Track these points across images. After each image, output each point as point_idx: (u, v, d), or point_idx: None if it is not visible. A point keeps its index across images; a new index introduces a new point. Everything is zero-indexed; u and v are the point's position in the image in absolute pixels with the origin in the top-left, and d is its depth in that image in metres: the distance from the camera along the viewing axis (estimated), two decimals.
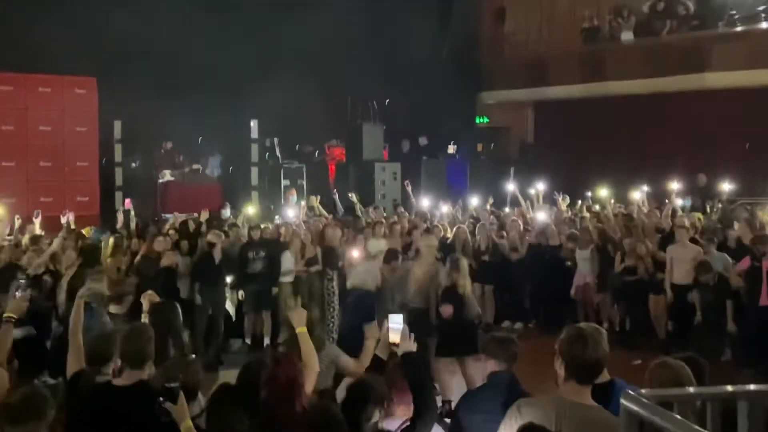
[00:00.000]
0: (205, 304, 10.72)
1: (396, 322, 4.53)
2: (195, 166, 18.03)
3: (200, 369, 4.85)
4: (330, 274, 11.69)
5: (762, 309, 9.61)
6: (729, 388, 2.21)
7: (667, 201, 14.43)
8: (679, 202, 14.61)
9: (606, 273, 11.89)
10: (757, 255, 9.79)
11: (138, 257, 10.63)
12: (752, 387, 2.24)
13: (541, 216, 13.33)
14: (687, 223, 11.92)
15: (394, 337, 4.50)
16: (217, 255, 10.85)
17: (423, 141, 21.19)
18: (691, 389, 2.77)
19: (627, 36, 20.46)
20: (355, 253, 10.18)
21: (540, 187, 15.57)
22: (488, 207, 15.54)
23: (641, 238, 11.66)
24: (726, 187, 15.45)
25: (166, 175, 17.66)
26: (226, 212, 14.43)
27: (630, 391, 2.15)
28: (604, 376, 4.06)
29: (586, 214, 14.44)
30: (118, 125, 17.65)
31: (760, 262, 9.69)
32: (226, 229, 12.17)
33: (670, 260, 11.04)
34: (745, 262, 10.08)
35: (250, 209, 14.25)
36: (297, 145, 20.39)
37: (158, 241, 10.86)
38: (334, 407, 4.03)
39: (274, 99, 17.99)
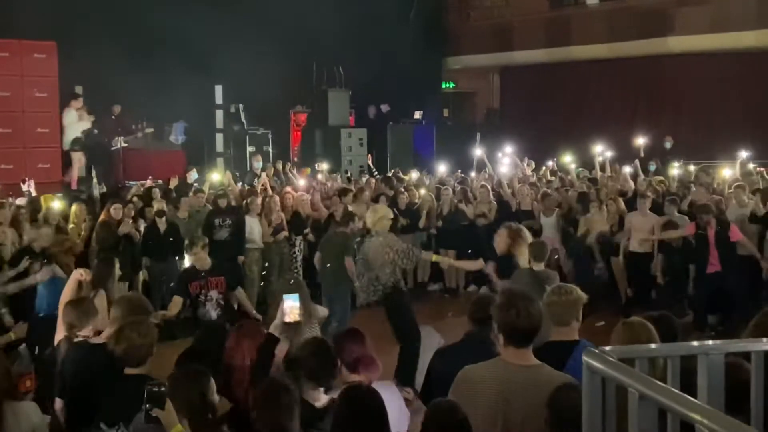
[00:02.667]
0: (156, 276, 10.68)
1: (290, 304, 4.62)
2: (148, 131, 17.73)
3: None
4: (294, 239, 11.72)
5: (711, 276, 9.84)
6: (689, 344, 2.25)
7: (634, 164, 14.58)
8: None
9: (570, 238, 12.01)
10: (701, 224, 9.96)
11: (96, 225, 10.50)
12: (710, 343, 2.29)
13: (480, 186, 13.41)
14: (645, 186, 12.13)
15: (289, 318, 4.59)
16: (162, 225, 10.84)
17: (385, 108, 21.10)
18: (652, 346, 2.82)
19: (592, 0, 20.49)
20: None
21: (508, 150, 15.67)
22: (456, 174, 15.60)
23: (605, 201, 11.79)
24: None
25: (120, 142, 17.36)
26: (193, 176, 14.25)
27: (591, 348, 2.18)
28: (571, 336, 4.27)
29: (552, 179, 14.55)
30: (79, 90, 17.35)
31: (705, 231, 9.85)
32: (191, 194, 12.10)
33: (629, 227, 11.20)
34: (690, 229, 10.23)
35: (215, 175, 14.10)
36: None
37: (115, 209, 10.73)
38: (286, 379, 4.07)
39: (238, 65, 17.79)
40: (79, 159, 16.23)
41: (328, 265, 9.44)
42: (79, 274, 5.89)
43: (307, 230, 11.86)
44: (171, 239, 10.87)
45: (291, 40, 18.32)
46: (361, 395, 3.72)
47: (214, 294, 7.73)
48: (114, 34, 16.68)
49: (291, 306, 4.59)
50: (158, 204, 11.10)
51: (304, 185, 13.61)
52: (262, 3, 17.33)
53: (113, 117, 17.87)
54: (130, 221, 10.74)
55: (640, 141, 15.62)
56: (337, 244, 9.41)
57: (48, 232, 8.80)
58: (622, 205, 11.81)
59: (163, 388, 3.79)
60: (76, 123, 16.48)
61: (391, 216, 8.67)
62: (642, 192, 11.90)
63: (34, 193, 11.88)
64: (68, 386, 4.78)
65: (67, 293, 5.63)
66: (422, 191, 13.06)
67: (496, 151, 16.31)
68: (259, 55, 17.32)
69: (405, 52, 19.55)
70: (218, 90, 18.54)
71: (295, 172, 15.36)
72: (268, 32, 17.50)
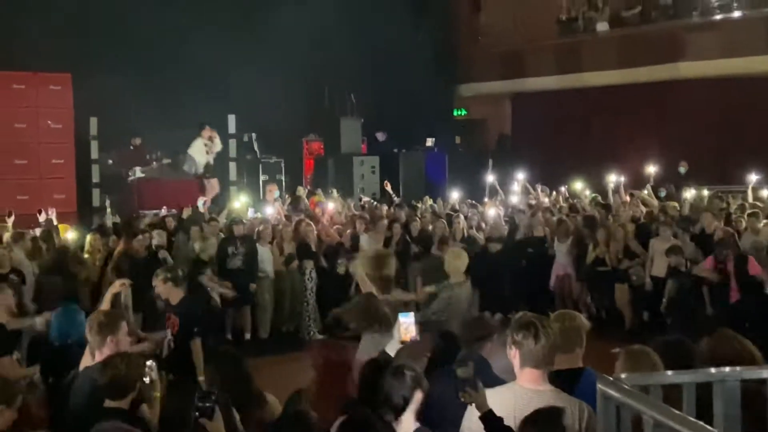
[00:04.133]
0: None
1: (406, 320, 4.59)
2: (166, 161, 17.89)
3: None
4: (305, 268, 11.74)
5: (732, 306, 9.78)
6: (704, 370, 2.24)
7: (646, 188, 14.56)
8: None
9: (582, 264, 12.00)
10: (719, 258, 9.92)
11: (116, 254, 10.56)
12: (726, 369, 2.28)
13: (492, 212, 13.36)
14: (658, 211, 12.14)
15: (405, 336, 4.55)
16: (166, 257, 10.83)
17: (382, 136, 21.18)
18: (668, 373, 2.81)
19: (602, 27, 20.56)
20: None
21: (520, 177, 15.70)
22: (468, 201, 15.61)
23: (614, 227, 11.78)
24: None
25: (137, 172, 17.51)
26: (200, 203, 14.32)
27: (607, 376, 2.19)
28: (575, 363, 4.29)
29: (563, 205, 14.55)
30: (93, 122, 17.49)
31: (725, 264, 9.82)
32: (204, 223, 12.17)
33: (652, 253, 11.19)
34: (709, 262, 10.17)
35: (237, 202, 14.15)
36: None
37: (138, 240, 10.82)
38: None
39: (251, 94, 17.91)
40: (213, 186, 16.52)
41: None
42: (120, 283, 5.98)
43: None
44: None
45: (303, 69, 18.45)
46: None
47: (168, 333, 7.15)
48: (128, 65, 16.85)
49: (407, 324, 4.55)
50: (159, 237, 11.13)
51: (331, 209, 13.64)
52: (274, 32, 17.46)
53: (132, 148, 18.04)
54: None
55: (651, 168, 15.59)
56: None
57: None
58: (630, 232, 11.75)
59: (212, 403, 3.78)
60: (202, 151, 17.06)
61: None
62: (658, 218, 11.89)
63: (55, 222, 11.98)
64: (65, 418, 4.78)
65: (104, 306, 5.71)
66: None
67: (509, 177, 16.32)
68: (272, 84, 17.46)
69: (417, 80, 19.63)
70: (231, 119, 18.66)
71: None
72: (280, 61, 17.63)
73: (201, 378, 5.46)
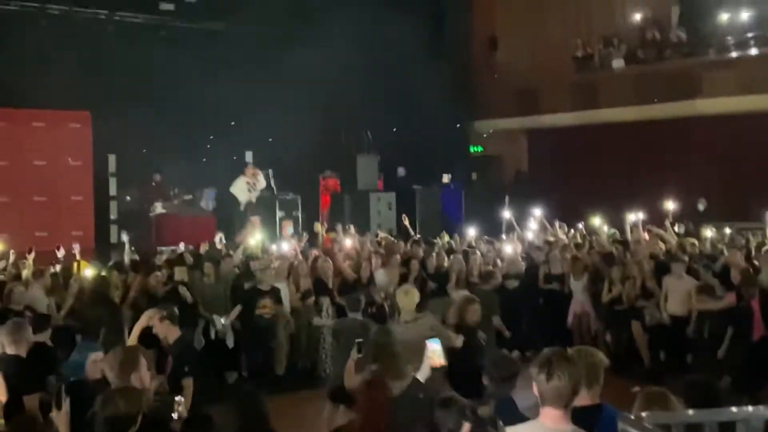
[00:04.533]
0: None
1: (433, 347, 4.78)
2: (186, 197, 18.01)
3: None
4: (321, 304, 11.70)
5: (756, 344, 9.63)
6: (727, 410, 2.20)
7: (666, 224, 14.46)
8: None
9: (599, 302, 11.91)
10: (744, 296, 9.79)
11: (133, 292, 10.57)
12: (749, 409, 2.24)
13: (509, 248, 13.29)
14: (676, 248, 12.03)
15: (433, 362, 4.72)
16: (185, 294, 10.82)
17: (402, 171, 21.23)
18: (690, 412, 2.76)
19: (618, 64, 20.60)
20: None
21: (537, 213, 15.65)
22: (484, 237, 15.54)
23: (630, 265, 11.67)
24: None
25: (158, 208, 17.63)
26: (218, 239, 14.32)
27: (628, 414, 2.15)
28: (593, 400, 4.27)
29: (580, 242, 14.46)
30: (112, 159, 17.68)
31: (748, 301, 9.68)
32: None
33: (665, 291, 11.07)
34: (732, 297, 10.04)
35: (252, 239, 14.15)
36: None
37: (155, 276, 10.84)
38: None
39: (268, 130, 18.05)
40: (253, 224, 16.66)
41: None
42: (152, 314, 5.98)
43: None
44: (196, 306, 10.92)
45: (320, 106, 18.56)
46: None
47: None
48: (146, 103, 17.03)
49: (434, 350, 4.55)
50: (180, 273, 11.15)
51: (348, 246, 13.59)
52: (291, 69, 17.61)
53: (153, 184, 18.19)
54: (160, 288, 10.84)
55: (670, 205, 15.48)
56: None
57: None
58: (646, 270, 11.63)
59: None
60: (244, 190, 17.19)
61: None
62: (676, 254, 11.78)
63: (78, 257, 12.02)
64: None
65: (133, 338, 5.71)
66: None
67: (525, 213, 16.27)
68: (289, 120, 17.58)
69: (433, 117, 19.71)
70: (248, 155, 18.79)
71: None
72: (297, 98, 17.76)
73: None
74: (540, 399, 3.74)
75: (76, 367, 6.26)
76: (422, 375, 4.72)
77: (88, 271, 10.89)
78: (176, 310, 7.33)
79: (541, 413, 3.74)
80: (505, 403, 4.29)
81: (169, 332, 6.94)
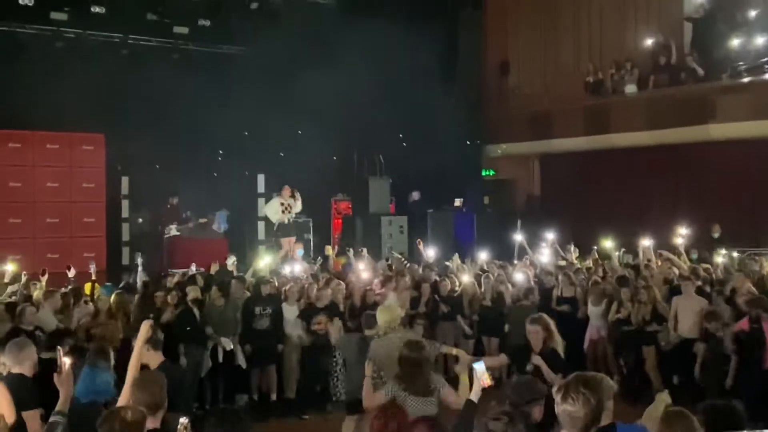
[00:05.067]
0: (192, 365, 10.52)
1: (480, 368, 4.93)
2: (201, 221, 18.05)
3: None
4: None
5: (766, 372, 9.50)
6: None
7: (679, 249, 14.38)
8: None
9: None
10: (752, 317, 9.68)
11: (136, 312, 10.56)
12: None
13: (520, 276, 13.23)
14: (689, 272, 11.95)
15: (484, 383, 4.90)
16: (197, 312, 10.80)
17: (417, 195, 21.23)
18: None
19: (630, 89, 20.59)
20: None
21: (550, 237, 15.59)
22: (495, 261, 15.49)
23: (641, 288, 11.59)
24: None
25: (172, 230, 17.69)
26: (230, 261, 14.30)
27: None
28: (606, 420, 4.25)
29: (591, 267, 14.39)
30: (125, 181, 17.76)
31: (759, 324, 9.57)
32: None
33: (675, 312, 10.99)
34: (744, 323, 9.93)
35: (262, 262, 14.11)
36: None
37: (156, 296, 10.83)
38: None
39: (280, 153, 18.10)
40: (284, 244, 16.79)
41: None
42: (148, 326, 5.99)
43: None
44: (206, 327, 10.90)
45: (332, 130, 18.61)
46: None
47: None
48: (159, 126, 17.13)
49: (482, 371, 4.82)
50: (194, 292, 11.14)
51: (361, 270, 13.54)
52: (303, 93, 17.68)
53: (169, 206, 18.25)
54: (171, 309, 10.82)
55: (683, 231, 15.41)
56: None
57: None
58: (657, 294, 11.55)
59: None
60: (278, 210, 17.17)
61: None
62: (686, 276, 11.70)
63: (94, 276, 12.04)
64: None
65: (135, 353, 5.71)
66: (465, 278, 12.96)
67: (537, 238, 16.22)
68: (301, 144, 17.64)
69: (445, 141, 19.73)
70: (260, 179, 18.83)
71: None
72: (309, 122, 17.84)
73: None
74: (561, 424, 3.78)
75: (86, 390, 6.22)
76: (475, 396, 4.89)
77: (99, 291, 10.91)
78: (161, 335, 7.03)
79: None
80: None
81: (151, 358, 6.63)
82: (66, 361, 5.11)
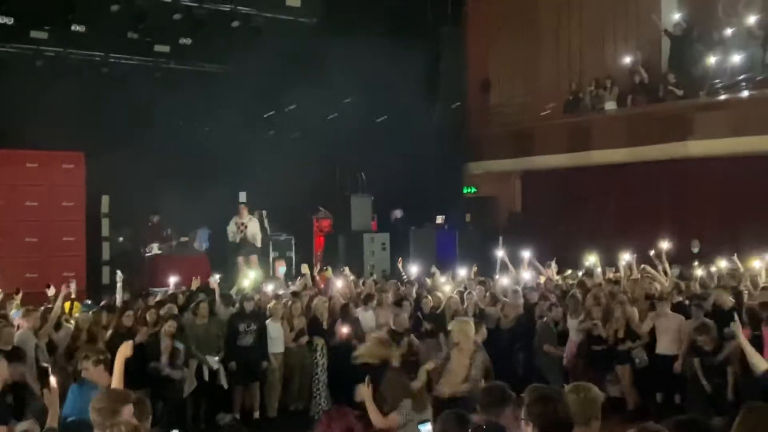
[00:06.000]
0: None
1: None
2: (183, 239, 17.98)
3: None
4: (315, 344, 11.63)
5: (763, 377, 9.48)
6: None
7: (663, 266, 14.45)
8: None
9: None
10: (754, 321, 9.68)
11: (108, 334, 10.50)
12: None
13: (505, 282, 13.30)
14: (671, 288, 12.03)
15: None
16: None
17: (399, 213, 21.25)
18: None
19: (610, 106, 20.76)
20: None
21: (526, 255, 15.62)
22: (473, 275, 15.53)
23: (614, 304, 11.61)
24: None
25: (154, 249, 17.60)
26: (211, 279, 14.24)
27: None
28: None
29: (572, 282, 14.45)
30: (105, 199, 17.67)
31: (760, 330, 9.59)
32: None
33: (653, 330, 11.03)
34: (747, 333, 9.91)
35: (246, 280, 14.07)
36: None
37: (126, 316, 10.76)
38: None
39: (262, 171, 18.06)
40: (245, 262, 16.85)
41: None
42: (127, 348, 5.97)
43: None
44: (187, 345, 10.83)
45: (313, 147, 18.62)
46: None
47: None
48: (140, 144, 17.06)
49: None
50: (171, 310, 11.09)
51: (340, 287, 13.52)
52: (285, 111, 17.70)
53: (150, 225, 18.16)
54: (147, 328, 10.74)
55: (663, 245, 15.52)
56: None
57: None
58: (630, 311, 11.55)
59: None
60: (233, 230, 17.34)
61: None
62: (666, 292, 11.78)
63: (74, 295, 11.95)
64: None
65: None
66: (447, 288, 13.00)
67: (519, 254, 16.25)
68: (282, 161, 17.61)
69: (427, 158, 19.78)
70: (242, 196, 18.77)
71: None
72: (290, 139, 17.83)
73: None
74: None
75: (73, 408, 6.15)
76: None
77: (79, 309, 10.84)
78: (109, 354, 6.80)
79: None
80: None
81: (101, 378, 6.35)
82: (53, 380, 5.16)
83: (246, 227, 17.16)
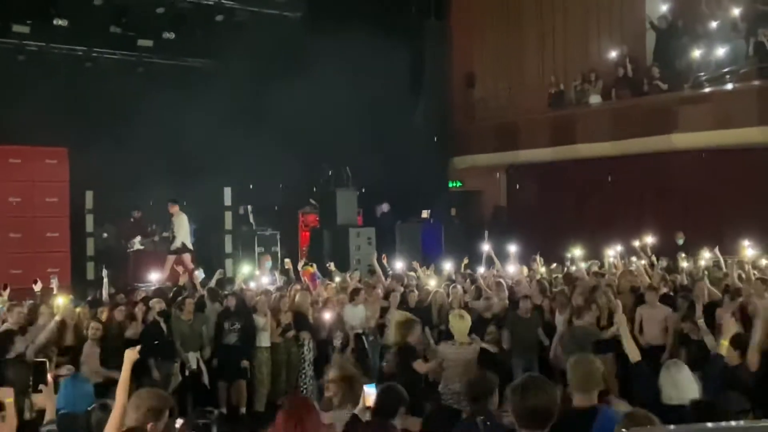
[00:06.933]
0: (163, 379, 10.40)
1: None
2: (165, 234, 17.86)
3: None
4: (302, 339, 11.60)
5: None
6: (721, 425, 2.16)
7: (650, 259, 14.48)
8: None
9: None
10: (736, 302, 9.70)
11: (92, 328, 10.42)
12: (742, 423, 2.20)
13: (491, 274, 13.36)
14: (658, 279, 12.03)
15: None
16: (164, 325, 10.73)
17: (386, 207, 21.22)
18: (689, 426, 2.72)
19: (595, 99, 20.81)
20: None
21: (512, 249, 15.62)
22: (462, 269, 15.52)
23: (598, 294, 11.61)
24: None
25: (136, 244, 17.48)
26: (200, 275, 14.19)
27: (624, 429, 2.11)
28: (592, 401, 4.66)
29: (558, 276, 14.46)
30: (89, 195, 17.54)
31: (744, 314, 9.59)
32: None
33: (640, 321, 11.04)
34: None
35: (242, 271, 14.07)
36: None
37: (119, 311, 10.71)
38: None
39: (247, 167, 17.99)
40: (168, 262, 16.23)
41: None
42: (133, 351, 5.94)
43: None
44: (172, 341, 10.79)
45: (299, 142, 18.55)
46: None
47: None
48: (124, 140, 16.95)
49: (369, 393, 5.34)
50: (158, 304, 11.03)
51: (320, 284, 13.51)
52: (269, 105, 17.63)
53: (132, 220, 18.05)
54: (136, 323, 10.70)
55: (647, 239, 15.58)
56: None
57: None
58: (613, 301, 11.53)
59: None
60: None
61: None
62: (649, 285, 11.79)
63: (56, 291, 11.87)
64: None
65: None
66: (432, 282, 13.01)
67: (504, 248, 16.28)
68: (267, 157, 17.54)
69: (412, 153, 19.78)
70: (227, 192, 18.70)
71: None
72: (275, 134, 17.75)
73: None
74: (516, 421, 3.87)
75: (66, 401, 6.15)
76: (360, 412, 5.19)
77: (60, 300, 10.78)
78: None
79: None
80: (487, 419, 4.48)
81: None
82: (49, 376, 5.36)
83: (174, 225, 16.66)
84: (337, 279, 14.10)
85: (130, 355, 5.96)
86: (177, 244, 16.03)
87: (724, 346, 6.75)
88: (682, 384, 5.33)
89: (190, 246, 16.32)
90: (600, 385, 4.76)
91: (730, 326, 6.88)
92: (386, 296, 12.45)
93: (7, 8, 16.05)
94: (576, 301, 11.36)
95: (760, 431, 2.17)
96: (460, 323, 8.68)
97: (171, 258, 15.97)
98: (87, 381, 6.47)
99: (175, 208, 16.27)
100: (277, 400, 11.63)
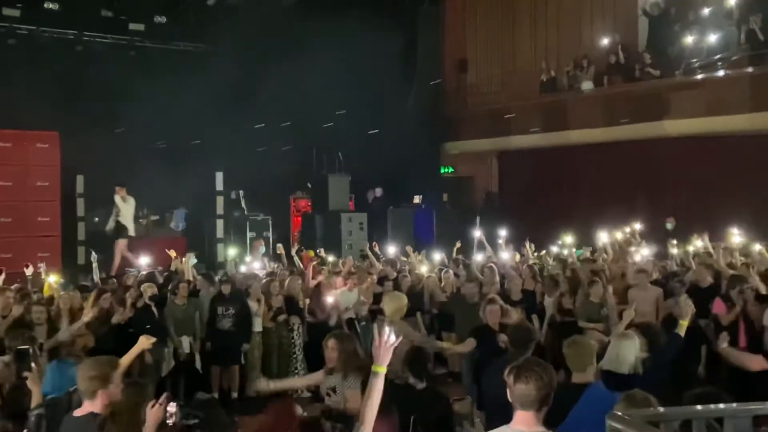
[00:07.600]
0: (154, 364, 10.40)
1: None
2: (153, 218, 17.82)
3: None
4: (292, 324, 11.63)
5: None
6: (716, 406, 2.19)
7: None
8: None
9: None
10: (731, 292, 9.69)
11: (88, 312, 10.40)
12: (735, 405, 2.23)
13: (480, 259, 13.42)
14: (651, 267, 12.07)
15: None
16: (155, 310, 10.72)
17: (379, 192, 21.22)
18: (679, 408, 2.75)
19: (587, 86, 20.82)
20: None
21: (503, 234, 15.66)
22: (454, 254, 15.55)
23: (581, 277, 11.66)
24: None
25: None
26: (192, 260, 14.18)
27: (616, 412, 2.13)
28: (587, 379, 5.33)
29: (550, 261, 14.51)
30: (80, 179, 17.48)
31: (735, 305, 9.56)
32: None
33: (632, 304, 11.07)
34: (720, 307, 9.93)
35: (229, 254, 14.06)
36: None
37: (104, 298, 10.69)
38: None
39: (238, 151, 17.95)
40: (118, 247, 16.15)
41: None
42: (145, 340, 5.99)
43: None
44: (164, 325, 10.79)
45: (291, 127, 18.55)
46: None
47: None
48: (115, 124, 16.93)
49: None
50: (150, 289, 11.02)
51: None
52: (261, 90, 17.58)
53: None
54: (125, 309, 10.67)
55: (637, 226, 15.63)
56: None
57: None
58: (601, 286, 11.60)
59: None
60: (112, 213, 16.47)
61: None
62: (639, 268, 11.83)
63: (44, 275, 11.85)
64: None
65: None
66: (424, 268, 13.03)
67: (496, 234, 16.32)
68: (259, 141, 17.52)
69: (404, 138, 19.76)
70: (219, 176, 18.65)
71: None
72: (267, 118, 17.74)
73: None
74: (512, 403, 3.89)
75: (53, 385, 6.24)
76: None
77: (52, 278, 10.79)
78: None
79: (514, 417, 3.90)
80: None
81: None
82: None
83: (120, 210, 16.34)
84: (330, 259, 14.10)
85: (144, 342, 6.01)
86: (111, 225, 16.08)
87: (683, 327, 6.87)
88: (623, 355, 5.61)
89: (131, 232, 16.25)
90: (594, 361, 5.40)
91: (688, 308, 6.98)
92: (380, 282, 12.46)
93: None
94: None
95: (748, 413, 2.20)
96: None
97: (120, 243, 15.87)
98: (73, 365, 6.46)
99: (122, 192, 16.18)
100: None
